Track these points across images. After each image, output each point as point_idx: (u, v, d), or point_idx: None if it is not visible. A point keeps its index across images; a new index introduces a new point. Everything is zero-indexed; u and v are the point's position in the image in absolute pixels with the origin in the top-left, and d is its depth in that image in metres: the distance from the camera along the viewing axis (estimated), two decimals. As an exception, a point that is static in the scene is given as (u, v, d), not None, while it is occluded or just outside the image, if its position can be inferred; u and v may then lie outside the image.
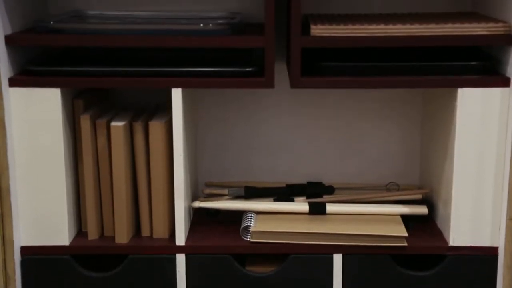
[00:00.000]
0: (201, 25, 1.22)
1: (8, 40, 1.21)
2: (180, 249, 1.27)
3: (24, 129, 1.23)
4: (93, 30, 1.23)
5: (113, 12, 1.42)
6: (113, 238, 1.30)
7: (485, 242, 1.26)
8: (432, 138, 1.39)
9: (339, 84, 1.23)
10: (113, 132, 1.26)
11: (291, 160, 1.50)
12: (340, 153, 1.50)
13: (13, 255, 1.25)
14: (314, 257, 1.27)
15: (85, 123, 1.26)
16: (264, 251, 1.28)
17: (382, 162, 1.50)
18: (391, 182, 1.46)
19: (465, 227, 1.26)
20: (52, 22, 1.25)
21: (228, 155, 1.50)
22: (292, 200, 1.39)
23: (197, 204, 1.35)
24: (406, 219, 1.32)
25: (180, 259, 1.27)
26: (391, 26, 1.20)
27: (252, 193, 1.41)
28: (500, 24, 1.20)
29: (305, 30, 1.21)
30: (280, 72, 1.38)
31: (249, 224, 1.29)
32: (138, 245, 1.29)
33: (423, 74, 1.22)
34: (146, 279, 1.28)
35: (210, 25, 1.22)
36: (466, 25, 1.20)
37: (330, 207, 1.34)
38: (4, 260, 1.24)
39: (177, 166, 1.25)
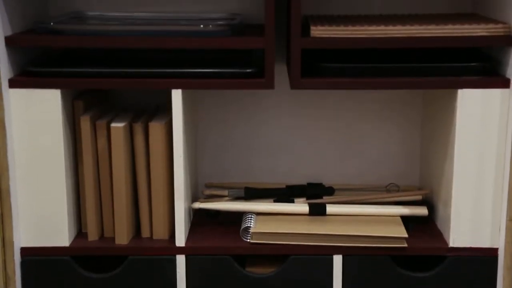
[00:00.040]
0: (201, 26, 1.22)
1: (8, 41, 1.21)
2: (180, 250, 1.27)
3: (24, 130, 1.23)
4: (93, 31, 1.23)
5: (113, 13, 1.42)
6: (113, 239, 1.30)
7: (485, 243, 1.26)
8: (432, 139, 1.39)
9: (339, 85, 1.23)
10: (113, 133, 1.26)
11: (291, 161, 1.50)
12: (340, 154, 1.50)
13: (13, 256, 1.25)
14: (314, 258, 1.27)
15: (85, 124, 1.26)
16: (264, 252, 1.28)
17: (382, 163, 1.50)
18: (391, 183, 1.46)
19: (465, 228, 1.26)
20: (52, 23, 1.25)
21: (228, 156, 1.50)
22: (292, 201, 1.39)
23: (197, 205, 1.35)
24: (406, 220, 1.32)
25: (180, 260, 1.27)
26: (391, 27, 1.20)
27: (252, 194, 1.41)
28: (500, 25, 1.20)
29: (305, 31, 1.21)
30: (280, 73, 1.38)
31: (249, 225, 1.29)
32: (138, 246, 1.29)
33: (423, 75, 1.22)
34: (146, 280, 1.28)
35: (210, 26, 1.22)
36: (466, 26, 1.20)
37: (330, 208, 1.34)
38: (4, 261, 1.24)
39: (177, 167, 1.25)
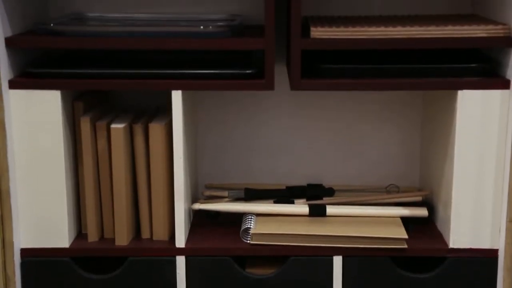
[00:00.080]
0: (201, 27, 1.22)
1: (8, 42, 1.21)
2: (180, 251, 1.27)
3: (24, 131, 1.23)
4: (93, 33, 1.23)
5: (113, 14, 1.42)
6: (113, 240, 1.30)
7: (485, 244, 1.26)
8: (432, 140, 1.39)
9: (339, 86, 1.23)
10: (113, 134, 1.26)
11: (291, 162, 1.50)
12: (340, 155, 1.50)
13: (13, 257, 1.25)
14: (314, 259, 1.27)
15: (85, 125, 1.26)
16: (264, 253, 1.28)
17: (382, 164, 1.50)
18: (391, 184, 1.46)
19: (465, 229, 1.26)
20: (52, 24, 1.25)
21: (228, 157, 1.50)
22: (292, 202, 1.39)
23: (197, 206, 1.35)
24: (406, 221, 1.32)
25: (180, 261, 1.27)
26: (391, 28, 1.20)
27: (252, 195, 1.41)
28: (499, 26, 1.20)
29: (305, 32, 1.21)
30: (280, 74, 1.38)
31: (249, 226, 1.29)
32: (138, 247, 1.29)
33: (423, 76, 1.22)
34: (146, 281, 1.28)
35: (210, 27, 1.22)
36: (466, 27, 1.20)
37: (330, 209, 1.34)
38: (4, 262, 1.24)
39: (177, 168, 1.25)
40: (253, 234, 1.28)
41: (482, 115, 1.21)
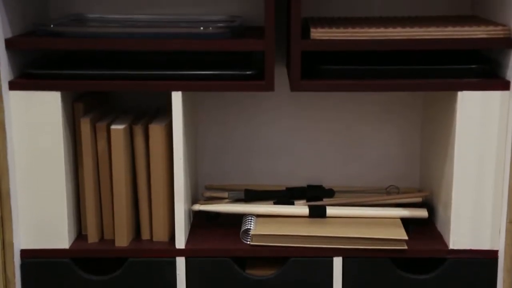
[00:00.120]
0: (201, 28, 1.22)
1: (8, 43, 1.21)
2: (180, 252, 1.27)
3: (24, 132, 1.23)
4: (93, 34, 1.23)
5: (113, 15, 1.42)
6: (113, 241, 1.30)
7: (485, 245, 1.26)
8: (432, 141, 1.39)
9: (339, 87, 1.23)
10: (113, 135, 1.26)
11: (291, 163, 1.50)
12: (340, 156, 1.50)
13: (13, 258, 1.25)
14: (314, 260, 1.27)
15: (85, 126, 1.26)
16: (264, 254, 1.28)
17: (382, 165, 1.50)
18: (391, 185, 1.46)
19: (465, 230, 1.26)
20: (52, 26, 1.25)
21: (228, 158, 1.50)
22: (292, 203, 1.39)
23: (197, 207, 1.35)
24: (406, 222, 1.32)
25: (180, 262, 1.27)
26: (391, 30, 1.20)
27: (252, 196, 1.41)
28: (499, 28, 1.20)
29: (305, 33, 1.21)
30: (280, 75, 1.38)
31: (249, 227, 1.29)
32: (138, 248, 1.29)
33: (423, 77, 1.22)
34: (146, 282, 1.28)
35: (210, 28, 1.22)
36: (466, 28, 1.20)
37: (330, 210, 1.34)
38: (4, 263, 1.24)
39: (177, 169, 1.25)
40: (253, 235, 1.28)
41: (482, 116, 1.21)
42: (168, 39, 1.21)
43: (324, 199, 1.40)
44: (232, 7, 1.43)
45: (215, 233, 1.33)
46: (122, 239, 1.29)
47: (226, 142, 1.50)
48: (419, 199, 1.40)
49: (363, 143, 1.49)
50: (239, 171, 1.50)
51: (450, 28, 1.20)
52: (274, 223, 1.31)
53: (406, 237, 1.26)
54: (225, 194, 1.43)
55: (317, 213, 1.33)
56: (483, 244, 1.26)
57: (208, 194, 1.46)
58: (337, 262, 1.27)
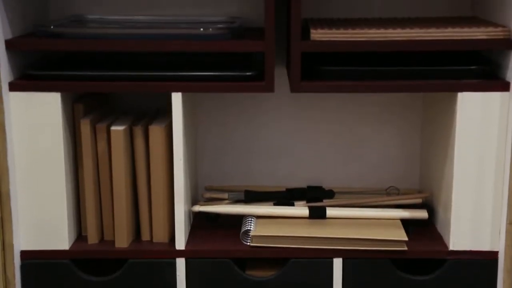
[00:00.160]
0: (201, 29, 1.22)
1: (9, 44, 1.21)
2: (180, 253, 1.27)
3: (24, 133, 1.23)
4: (93, 35, 1.24)
5: (113, 16, 1.42)
6: (113, 242, 1.30)
7: (485, 246, 1.26)
8: (432, 142, 1.39)
9: (339, 89, 1.23)
10: (113, 136, 1.26)
11: (291, 164, 1.50)
12: (340, 157, 1.50)
13: (13, 259, 1.25)
14: (314, 261, 1.27)
15: (85, 127, 1.26)
16: (264, 255, 1.28)
17: (382, 166, 1.50)
18: (391, 186, 1.46)
19: (465, 231, 1.26)
20: (52, 27, 1.25)
21: (228, 159, 1.50)
22: (292, 204, 1.39)
23: (197, 208, 1.35)
24: (406, 223, 1.32)
25: (180, 263, 1.27)
26: (391, 31, 1.20)
27: (252, 197, 1.41)
28: (499, 29, 1.20)
29: (305, 34, 1.21)
30: (280, 76, 1.38)
31: (249, 228, 1.29)
32: (138, 249, 1.29)
33: (423, 78, 1.22)
34: (146, 283, 1.28)
35: (210, 29, 1.22)
36: (466, 29, 1.20)
37: (330, 211, 1.34)
38: (4, 264, 1.24)
39: (177, 170, 1.25)
40: (253, 236, 1.28)
41: (482, 117, 1.21)
42: (168, 40, 1.21)
43: (324, 200, 1.40)
44: (232, 8, 1.43)
45: (215, 234, 1.33)
46: (122, 240, 1.29)
47: (226, 143, 1.50)
48: (419, 200, 1.40)
49: (363, 144, 1.49)
50: (239, 172, 1.50)
51: (450, 29, 1.20)
52: (274, 224, 1.31)
53: (406, 238, 1.26)
54: (225, 195, 1.43)
55: (317, 214, 1.33)
56: (483, 245, 1.26)
57: (208, 195, 1.46)
58: (337, 263, 1.27)
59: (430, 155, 1.41)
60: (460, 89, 1.21)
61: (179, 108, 1.22)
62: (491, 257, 1.26)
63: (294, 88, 1.21)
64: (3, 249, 1.24)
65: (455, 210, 1.25)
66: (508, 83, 1.20)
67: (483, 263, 1.26)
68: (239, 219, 1.34)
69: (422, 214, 1.34)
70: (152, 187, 1.29)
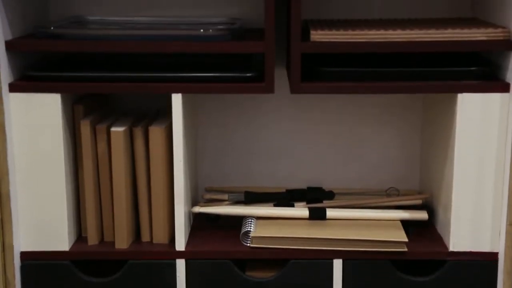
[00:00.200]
0: (201, 30, 1.22)
1: (9, 45, 1.21)
2: (180, 255, 1.27)
3: (24, 134, 1.23)
4: (93, 36, 1.24)
5: (113, 17, 1.42)
6: (113, 243, 1.30)
7: (485, 248, 1.26)
8: (432, 143, 1.39)
9: (339, 90, 1.23)
10: (113, 138, 1.26)
11: (291, 165, 1.50)
12: (340, 158, 1.50)
13: (13, 260, 1.25)
14: (314, 262, 1.27)
15: (85, 128, 1.26)
16: (264, 256, 1.28)
17: (382, 167, 1.50)
18: (391, 187, 1.46)
19: (465, 232, 1.26)
20: (52, 28, 1.25)
21: (228, 160, 1.50)
22: (292, 205, 1.39)
23: (197, 209, 1.35)
24: (406, 224, 1.32)
25: (180, 264, 1.27)
26: (391, 32, 1.20)
27: (252, 198, 1.41)
28: (499, 30, 1.20)
29: (305, 35, 1.21)
30: (280, 77, 1.38)
31: (249, 229, 1.29)
32: (138, 250, 1.29)
33: (423, 79, 1.22)
34: (146, 284, 1.28)
35: (210, 30, 1.22)
36: (466, 30, 1.20)
37: (330, 212, 1.34)
38: (4, 265, 1.24)
39: (177, 171, 1.25)
40: (253, 237, 1.28)
41: (482, 118, 1.21)
42: (168, 41, 1.21)
43: (324, 201, 1.40)
44: (232, 9, 1.43)
45: (215, 235, 1.33)
46: (122, 241, 1.29)
47: (226, 144, 1.50)
48: (419, 201, 1.40)
49: (363, 145, 1.49)
50: (239, 173, 1.50)
51: (450, 30, 1.20)
52: (274, 225, 1.31)
53: (406, 239, 1.26)
54: (225, 196, 1.43)
55: (317, 215, 1.33)
56: (483, 246, 1.26)
57: (208, 196, 1.46)
58: (337, 264, 1.27)
59: (430, 156, 1.41)
60: (460, 90, 1.21)
61: (179, 109, 1.22)
62: (491, 258, 1.26)
63: (294, 89, 1.21)
64: (3, 250, 1.24)
65: (455, 211, 1.25)
66: (508, 84, 1.20)
67: (483, 264, 1.26)
68: (239, 220, 1.34)
69: (422, 215, 1.34)
70: (152, 188, 1.29)
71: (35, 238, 1.27)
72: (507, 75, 1.21)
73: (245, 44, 1.22)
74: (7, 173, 1.22)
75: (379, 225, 1.31)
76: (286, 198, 1.42)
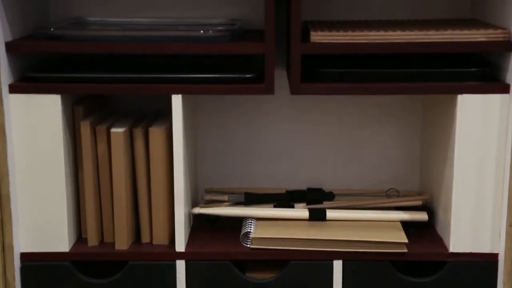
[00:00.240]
0: (201, 31, 1.22)
1: (9, 46, 1.21)
2: (180, 256, 1.27)
3: (24, 135, 1.23)
4: (93, 37, 1.24)
5: (113, 18, 1.42)
6: (113, 244, 1.30)
7: (485, 249, 1.26)
8: (432, 144, 1.39)
9: (339, 91, 1.23)
10: (113, 139, 1.26)
11: (291, 166, 1.50)
12: (340, 159, 1.50)
13: (13, 262, 1.25)
14: (314, 263, 1.27)
15: (85, 129, 1.26)
16: (264, 257, 1.28)
17: (382, 168, 1.50)
18: (391, 188, 1.46)
19: (465, 233, 1.26)
20: (52, 29, 1.25)
21: (228, 161, 1.50)
22: (292, 206, 1.39)
23: (197, 210, 1.35)
24: (406, 225, 1.32)
25: (180, 265, 1.27)
26: (391, 33, 1.20)
27: (252, 199, 1.41)
28: (499, 31, 1.20)
29: (305, 36, 1.21)
30: (280, 78, 1.38)
31: (249, 230, 1.29)
32: (138, 251, 1.29)
33: (423, 80, 1.22)
34: (146, 285, 1.28)
35: (210, 31, 1.22)
36: (466, 31, 1.20)
37: (330, 213, 1.34)
38: (4, 267, 1.24)
39: (177, 172, 1.25)
40: (253, 238, 1.28)
41: (482, 119, 1.21)
42: (168, 42, 1.21)
43: (324, 202, 1.40)
44: (232, 10, 1.43)
45: (215, 236, 1.33)
46: (122, 242, 1.29)
47: (226, 145, 1.50)
48: (419, 202, 1.40)
49: (363, 146, 1.49)
50: (239, 174, 1.50)
51: (449, 31, 1.20)
52: (274, 226, 1.31)
53: (406, 240, 1.26)
54: (225, 197, 1.43)
55: (317, 216, 1.33)
56: (483, 247, 1.26)
57: (208, 197, 1.46)
58: (337, 265, 1.27)
59: (430, 157, 1.41)
60: (460, 91, 1.21)
61: (179, 110, 1.22)
62: (491, 259, 1.26)
63: (294, 90, 1.21)
64: (3, 251, 1.24)
65: (455, 212, 1.25)
66: (508, 85, 1.20)
67: (483, 265, 1.26)
68: (239, 221, 1.34)
69: (422, 216, 1.34)
70: (152, 189, 1.29)
71: (35, 239, 1.27)
72: (507, 76, 1.21)
73: (245, 45, 1.22)
74: (7, 174, 1.22)
75: (379, 226, 1.31)
76: (286, 199, 1.42)
